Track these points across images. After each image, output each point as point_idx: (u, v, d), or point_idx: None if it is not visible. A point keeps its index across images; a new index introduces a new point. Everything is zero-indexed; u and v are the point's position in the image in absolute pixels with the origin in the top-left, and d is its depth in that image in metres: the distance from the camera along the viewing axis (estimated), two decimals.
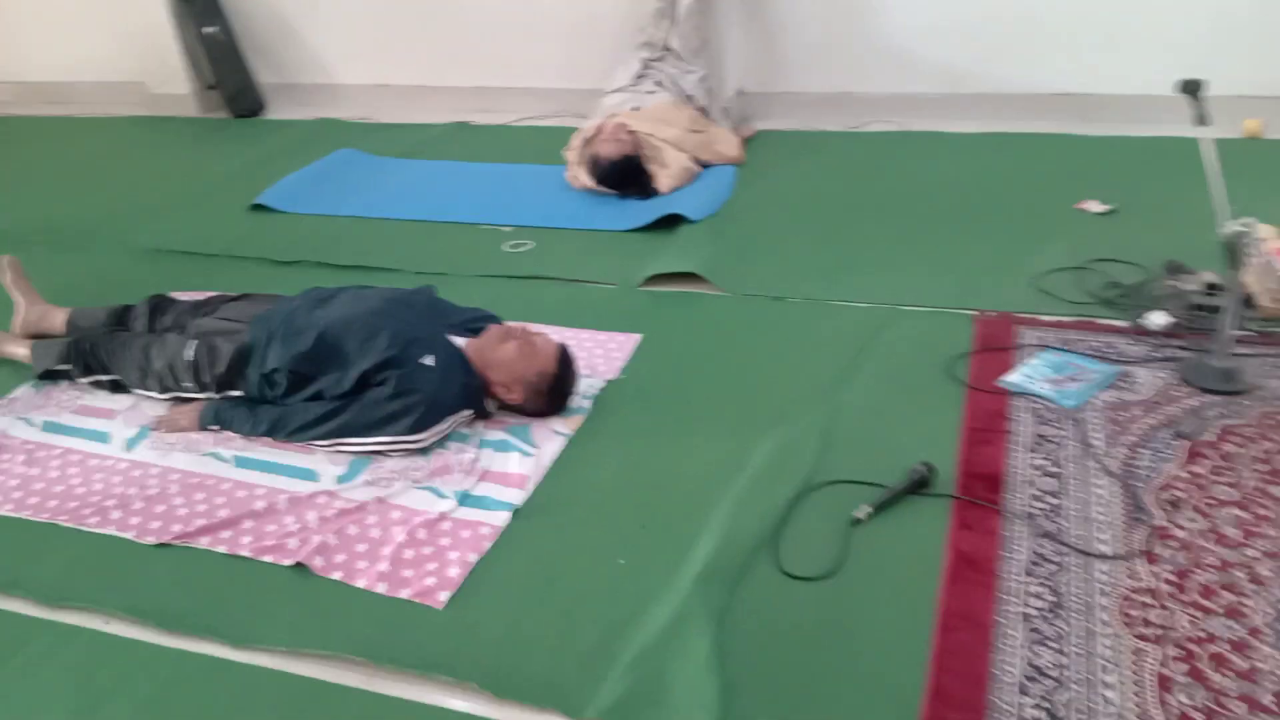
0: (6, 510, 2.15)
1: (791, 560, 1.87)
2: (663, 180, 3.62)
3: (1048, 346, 2.47)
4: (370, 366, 2.24)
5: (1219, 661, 1.59)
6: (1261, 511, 1.90)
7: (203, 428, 2.37)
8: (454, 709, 1.63)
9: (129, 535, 2.05)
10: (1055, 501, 1.96)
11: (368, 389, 2.25)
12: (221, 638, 1.78)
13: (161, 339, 2.49)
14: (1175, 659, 1.59)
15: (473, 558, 1.93)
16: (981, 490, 2.00)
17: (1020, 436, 2.16)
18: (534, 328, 2.43)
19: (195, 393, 2.42)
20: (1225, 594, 1.71)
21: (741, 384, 2.46)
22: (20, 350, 2.66)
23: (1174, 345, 2.44)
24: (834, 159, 3.94)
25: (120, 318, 2.69)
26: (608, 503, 2.08)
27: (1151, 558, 1.80)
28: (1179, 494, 1.96)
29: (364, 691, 1.67)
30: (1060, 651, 1.61)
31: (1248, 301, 2.51)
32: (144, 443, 2.36)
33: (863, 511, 1.95)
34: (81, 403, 2.54)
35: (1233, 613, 1.67)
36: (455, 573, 1.89)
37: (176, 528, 2.05)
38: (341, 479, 2.18)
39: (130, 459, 2.31)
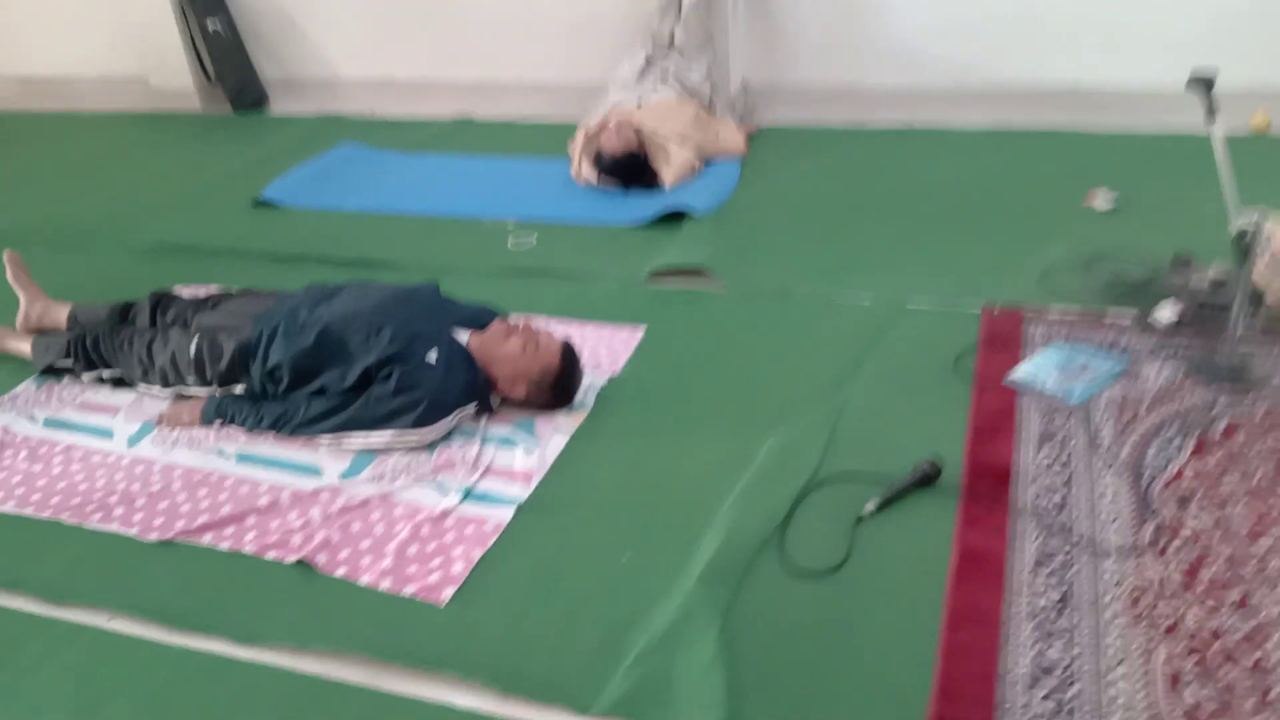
0: (9, 507, 2.15)
1: (797, 557, 1.86)
2: (666, 175, 3.63)
3: (1055, 341, 2.45)
4: (374, 362, 2.23)
5: (1228, 655, 1.58)
6: (1270, 505, 1.88)
7: (206, 423, 2.36)
8: (459, 706, 1.62)
9: (132, 532, 2.04)
10: (1063, 496, 1.95)
11: (371, 385, 2.24)
12: (224, 635, 1.78)
13: (164, 334, 2.48)
14: (1184, 653, 1.58)
15: (477, 553, 1.93)
16: (989, 486, 1.99)
17: (1027, 432, 2.15)
18: (538, 322, 2.42)
19: (198, 388, 2.42)
20: (1234, 588, 1.70)
21: (746, 381, 2.45)
22: (22, 346, 2.66)
23: (1182, 340, 2.43)
24: (838, 155, 3.92)
25: (123, 313, 2.68)
26: (611, 500, 2.07)
27: (1160, 552, 1.79)
28: (1187, 488, 1.95)
29: (368, 689, 1.67)
30: (1070, 646, 1.60)
31: (1256, 296, 2.50)
32: (147, 439, 2.36)
33: (870, 506, 1.94)
34: (84, 399, 2.53)
35: (1242, 606, 1.66)
36: (460, 568, 1.89)
37: (180, 524, 2.05)
38: (345, 475, 2.17)
39: (133, 455, 2.30)
